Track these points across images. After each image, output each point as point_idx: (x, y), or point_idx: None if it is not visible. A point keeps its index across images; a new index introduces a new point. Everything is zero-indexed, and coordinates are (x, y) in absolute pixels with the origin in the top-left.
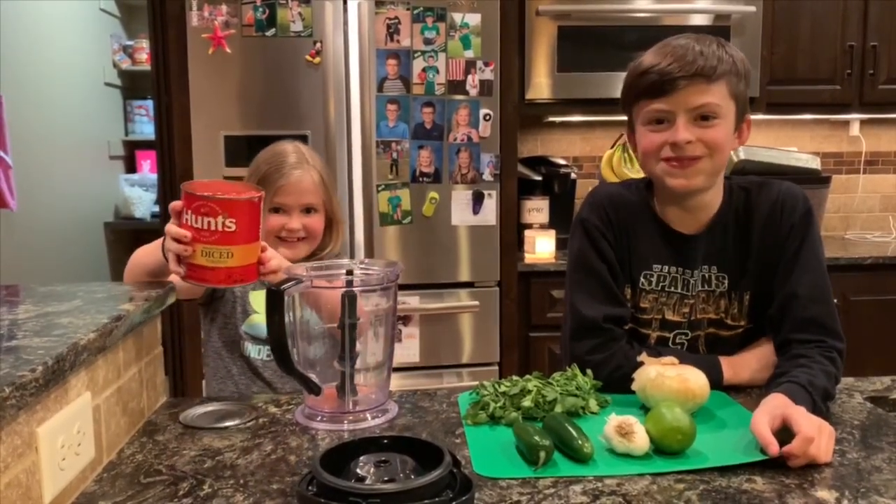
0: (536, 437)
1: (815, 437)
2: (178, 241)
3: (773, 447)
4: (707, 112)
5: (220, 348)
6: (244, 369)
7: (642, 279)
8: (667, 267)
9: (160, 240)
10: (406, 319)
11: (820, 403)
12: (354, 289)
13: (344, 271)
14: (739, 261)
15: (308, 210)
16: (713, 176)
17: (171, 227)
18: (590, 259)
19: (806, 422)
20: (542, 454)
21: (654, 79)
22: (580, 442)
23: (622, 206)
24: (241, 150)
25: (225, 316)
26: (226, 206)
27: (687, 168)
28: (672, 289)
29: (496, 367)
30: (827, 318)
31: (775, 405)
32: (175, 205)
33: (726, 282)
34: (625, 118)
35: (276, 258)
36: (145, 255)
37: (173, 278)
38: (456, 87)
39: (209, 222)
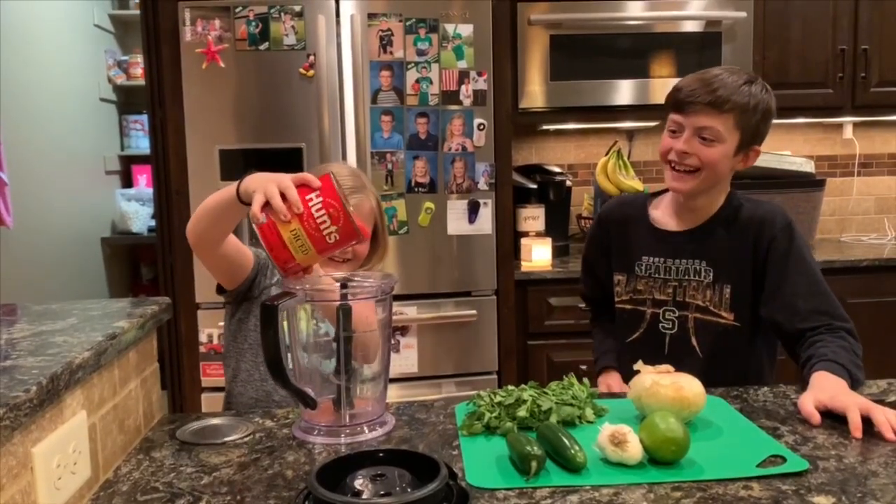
0: (528, 447)
1: (858, 409)
2: (285, 201)
3: (815, 418)
4: (708, 135)
5: (245, 351)
6: (267, 375)
7: (636, 268)
8: (652, 258)
9: (235, 184)
10: (404, 330)
11: (855, 371)
12: (349, 301)
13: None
14: (723, 258)
15: None
16: (706, 185)
17: (291, 190)
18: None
19: (841, 398)
20: (534, 464)
21: (679, 97)
22: (573, 451)
23: (621, 214)
24: (237, 164)
25: (258, 318)
26: (348, 226)
27: (682, 175)
28: (657, 275)
29: (495, 376)
30: (828, 307)
31: (821, 387)
32: (311, 180)
33: (711, 274)
34: (617, 125)
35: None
36: (217, 194)
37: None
38: (450, 97)
39: (325, 222)
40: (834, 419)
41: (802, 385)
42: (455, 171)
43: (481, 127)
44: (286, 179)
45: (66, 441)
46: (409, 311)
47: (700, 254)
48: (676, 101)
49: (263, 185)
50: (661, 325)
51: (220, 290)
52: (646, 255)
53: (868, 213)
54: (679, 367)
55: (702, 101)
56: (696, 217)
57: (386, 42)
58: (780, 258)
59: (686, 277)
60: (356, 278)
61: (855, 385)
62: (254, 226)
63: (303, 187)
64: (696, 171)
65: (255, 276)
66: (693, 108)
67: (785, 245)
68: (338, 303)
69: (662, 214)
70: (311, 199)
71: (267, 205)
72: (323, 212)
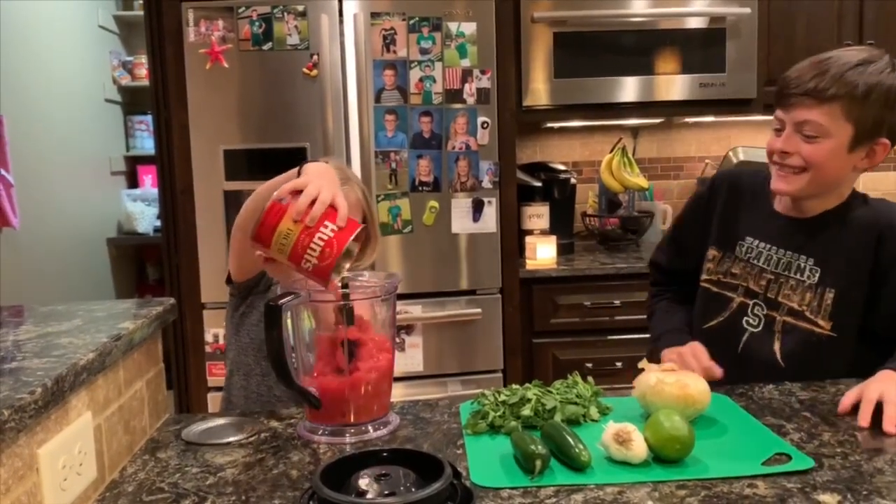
0: (532, 446)
1: (874, 398)
2: (311, 207)
3: (841, 406)
4: (809, 130)
5: (247, 345)
6: (269, 371)
7: (737, 248)
8: (757, 241)
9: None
10: (409, 329)
11: None
12: (352, 301)
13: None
14: (834, 259)
15: None
16: (816, 187)
17: (322, 207)
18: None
19: (874, 387)
20: (538, 463)
21: (779, 90)
22: (577, 450)
23: (738, 184)
24: (241, 164)
25: (261, 313)
26: (324, 270)
27: (787, 176)
28: (756, 261)
29: (500, 375)
30: None
31: (871, 380)
32: (342, 215)
33: (817, 275)
34: (622, 122)
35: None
36: (277, 178)
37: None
38: (453, 95)
39: (313, 250)
40: (841, 417)
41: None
42: (459, 169)
43: (485, 125)
44: (329, 194)
45: (72, 442)
46: (414, 310)
47: (809, 249)
48: (777, 96)
49: (313, 177)
50: (745, 318)
51: (228, 280)
52: (751, 235)
53: None
54: (751, 374)
55: (798, 91)
56: (809, 211)
57: (389, 41)
58: None
59: (786, 273)
60: (359, 278)
61: None
62: (274, 195)
63: (332, 210)
64: (803, 171)
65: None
66: (792, 101)
67: None
68: (340, 303)
69: (779, 200)
70: (325, 225)
71: (298, 193)
72: (321, 244)
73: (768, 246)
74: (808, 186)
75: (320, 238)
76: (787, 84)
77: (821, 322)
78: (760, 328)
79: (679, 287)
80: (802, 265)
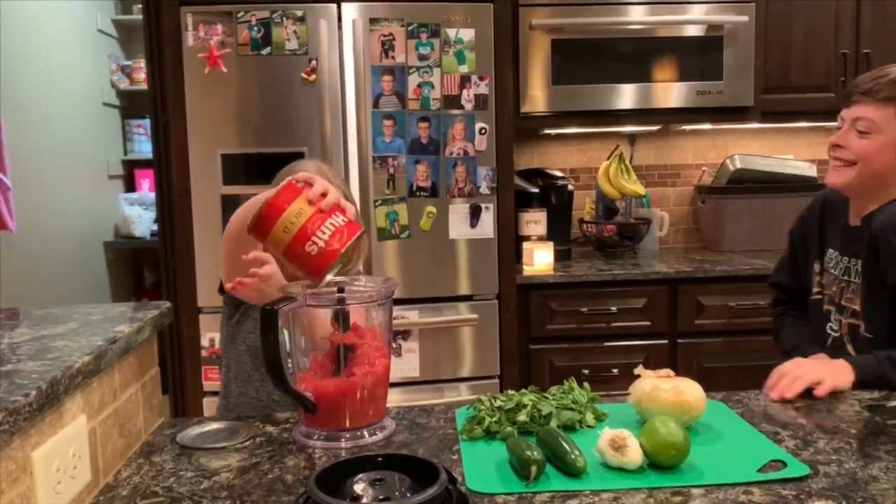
0: (528, 452)
1: (785, 372)
2: (323, 198)
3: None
4: (862, 126)
5: (244, 353)
6: (267, 377)
7: (825, 259)
8: (833, 251)
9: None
10: (406, 334)
11: (889, 371)
12: (347, 305)
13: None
14: (868, 260)
15: None
16: (863, 183)
17: (335, 194)
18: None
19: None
20: (534, 468)
21: (845, 93)
22: (573, 456)
23: (828, 201)
24: (239, 169)
25: (256, 321)
26: (325, 257)
27: (839, 169)
28: (833, 270)
29: (497, 381)
30: None
31: (799, 359)
32: (351, 214)
33: (860, 278)
34: (619, 129)
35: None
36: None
37: None
38: (451, 101)
39: (322, 233)
40: (837, 425)
41: None
42: (457, 175)
43: (483, 131)
44: (336, 195)
45: (66, 445)
46: (410, 316)
47: (860, 253)
48: (843, 98)
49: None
50: (829, 324)
51: (221, 289)
52: (832, 247)
53: None
54: None
55: (858, 90)
56: (861, 215)
57: (388, 47)
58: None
59: (846, 278)
60: (356, 283)
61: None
62: (290, 178)
63: (339, 208)
64: (853, 165)
65: None
66: (852, 100)
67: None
68: (336, 307)
69: (851, 210)
70: (337, 214)
71: (307, 188)
72: (331, 229)
73: (838, 254)
74: (857, 180)
75: (332, 223)
76: (853, 86)
77: (863, 323)
78: (839, 333)
79: (801, 305)
80: (858, 269)
